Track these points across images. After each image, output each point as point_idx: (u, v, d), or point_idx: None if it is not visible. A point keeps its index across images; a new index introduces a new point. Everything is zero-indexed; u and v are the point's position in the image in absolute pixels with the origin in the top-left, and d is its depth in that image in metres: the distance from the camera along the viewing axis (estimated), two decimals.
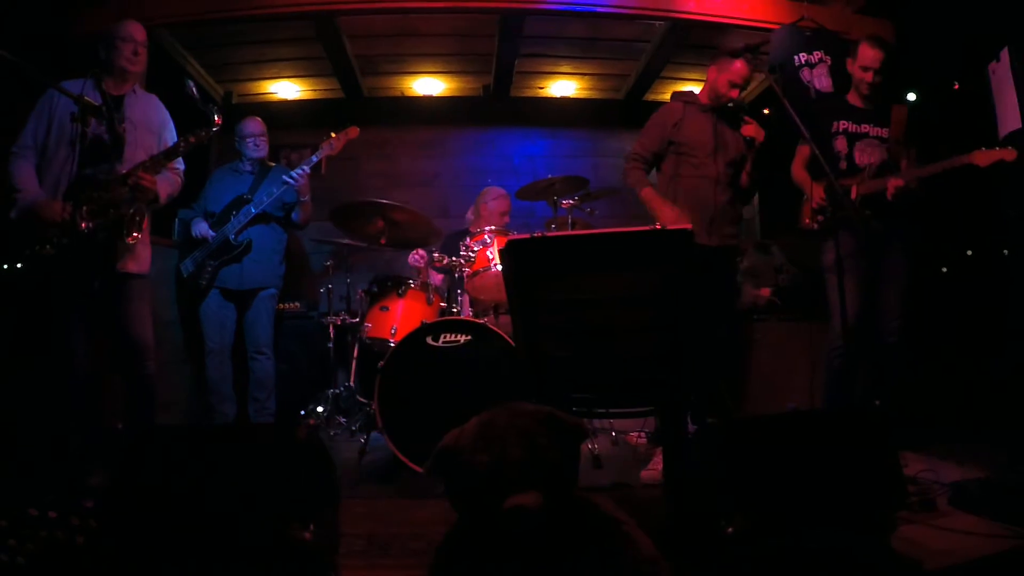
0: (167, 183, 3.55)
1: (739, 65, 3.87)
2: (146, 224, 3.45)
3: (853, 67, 3.92)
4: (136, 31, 3.56)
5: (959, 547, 2.40)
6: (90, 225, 3.18)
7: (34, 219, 3.20)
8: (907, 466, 3.02)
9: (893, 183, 3.59)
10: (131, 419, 3.47)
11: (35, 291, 3.20)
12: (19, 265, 3.20)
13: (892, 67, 3.87)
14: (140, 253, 3.47)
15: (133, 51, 3.52)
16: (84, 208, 3.17)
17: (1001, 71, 3.80)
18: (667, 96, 4.39)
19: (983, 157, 3.36)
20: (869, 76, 3.84)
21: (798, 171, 4.06)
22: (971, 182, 3.43)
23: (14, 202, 3.28)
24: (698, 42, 5.58)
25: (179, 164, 3.66)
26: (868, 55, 3.82)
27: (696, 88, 4.15)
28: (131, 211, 3.28)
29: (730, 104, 3.91)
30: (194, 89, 3.39)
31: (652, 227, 2.61)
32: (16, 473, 2.92)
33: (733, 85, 3.89)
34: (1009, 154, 3.31)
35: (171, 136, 3.65)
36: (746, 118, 3.92)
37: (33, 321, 3.30)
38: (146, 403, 3.48)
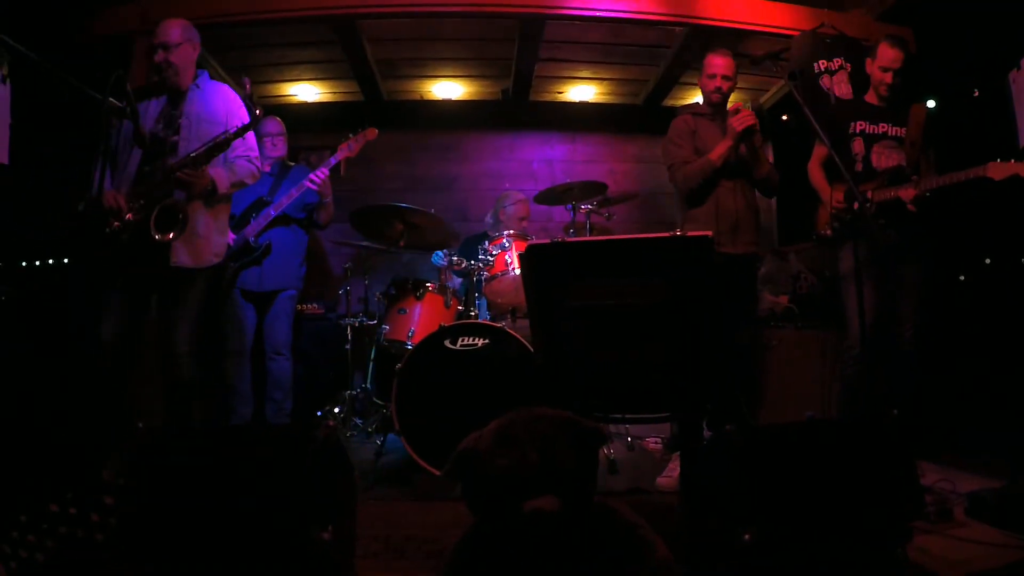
0: (227, 172, 3.57)
1: (710, 59, 3.94)
2: (205, 217, 3.50)
3: (872, 67, 3.89)
4: (160, 33, 3.57)
5: (975, 557, 2.40)
6: (134, 217, 3.26)
7: (94, 209, 3.29)
8: (924, 475, 3.01)
9: (907, 195, 3.55)
10: (168, 418, 3.48)
11: (67, 285, 3.23)
12: (51, 261, 3.25)
13: (910, 71, 3.85)
14: (198, 246, 3.46)
15: (157, 55, 3.54)
16: (131, 204, 3.29)
17: (1022, 79, 3.77)
18: (686, 102, 4.39)
19: (998, 170, 3.25)
20: (888, 77, 3.80)
21: (814, 171, 4.01)
22: (989, 189, 3.39)
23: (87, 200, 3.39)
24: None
25: (251, 152, 3.70)
26: (888, 55, 3.78)
27: None
28: (162, 207, 3.26)
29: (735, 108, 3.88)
30: (248, 86, 3.56)
31: (672, 233, 2.62)
32: (37, 468, 2.95)
33: (711, 77, 3.94)
34: None
35: (238, 124, 3.60)
36: (730, 108, 3.92)
37: (62, 316, 3.32)
38: (178, 405, 3.49)
